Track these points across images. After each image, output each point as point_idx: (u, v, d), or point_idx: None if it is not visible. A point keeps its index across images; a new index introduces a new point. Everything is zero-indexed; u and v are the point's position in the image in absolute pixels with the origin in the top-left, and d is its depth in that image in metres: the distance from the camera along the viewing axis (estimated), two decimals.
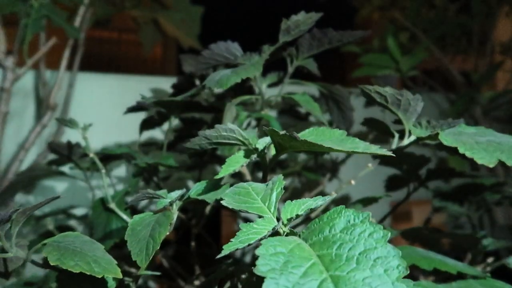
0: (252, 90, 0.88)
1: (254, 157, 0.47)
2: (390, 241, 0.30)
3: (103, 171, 0.70)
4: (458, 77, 1.72)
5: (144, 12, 1.42)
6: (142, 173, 0.81)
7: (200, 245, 0.99)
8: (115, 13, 1.38)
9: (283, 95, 0.76)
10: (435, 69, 1.93)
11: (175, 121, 0.82)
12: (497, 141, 0.44)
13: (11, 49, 0.99)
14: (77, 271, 0.39)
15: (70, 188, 1.16)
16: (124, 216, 0.69)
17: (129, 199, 0.74)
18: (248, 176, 0.75)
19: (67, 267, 0.39)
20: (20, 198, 1.09)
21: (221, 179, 0.48)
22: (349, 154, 1.29)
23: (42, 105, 1.11)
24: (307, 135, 0.46)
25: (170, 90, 0.91)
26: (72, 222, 1.07)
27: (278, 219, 0.38)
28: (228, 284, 0.52)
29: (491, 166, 0.40)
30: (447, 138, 0.45)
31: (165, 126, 0.93)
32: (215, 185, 0.50)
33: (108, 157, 0.83)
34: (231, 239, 0.35)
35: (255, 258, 0.29)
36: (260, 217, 0.39)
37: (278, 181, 0.42)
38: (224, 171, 0.46)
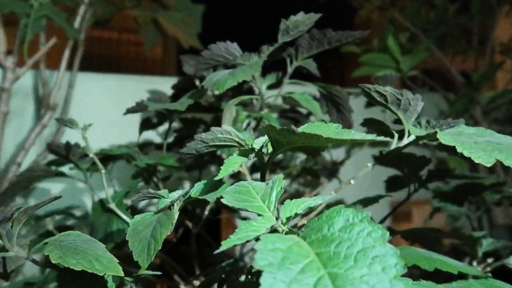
0: (252, 90, 0.88)
1: (251, 156, 0.47)
2: (390, 241, 0.31)
3: (103, 171, 0.70)
4: (458, 77, 1.72)
5: (144, 12, 1.42)
6: (142, 173, 0.81)
7: (200, 245, 0.99)
8: (115, 13, 1.38)
9: (283, 95, 0.76)
10: (435, 69, 1.93)
11: (175, 121, 0.82)
12: (496, 141, 0.45)
13: (11, 49, 0.99)
14: (79, 269, 0.39)
15: (70, 189, 1.16)
16: (125, 217, 0.69)
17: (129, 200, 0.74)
18: (248, 177, 0.76)
19: (69, 265, 0.39)
20: (18, 199, 1.09)
21: (221, 179, 0.49)
22: (349, 156, 1.29)
23: (42, 105, 1.11)
24: (303, 130, 0.46)
25: (170, 91, 0.91)
26: (72, 223, 1.07)
27: (278, 218, 0.38)
28: (227, 284, 0.52)
29: (488, 165, 0.40)
30: (445, 137, 0.45)
31: (165, 126, 0.94)
32: (216, 184, 0.50)
33: (108, 157, 0.83)
34: (230, 236, 0.36)
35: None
36: (259, 215, 0.39)
37: (278, 180, 0.42)
38: (223, 172, 0.46)
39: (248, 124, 0.92)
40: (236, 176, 0.81)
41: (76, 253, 0.41)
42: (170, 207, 0.48)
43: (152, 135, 1.24)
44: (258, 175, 0.89)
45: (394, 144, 0.55)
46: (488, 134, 0.49)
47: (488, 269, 0.70)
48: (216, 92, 0.86)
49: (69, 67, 1.17)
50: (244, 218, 1.16)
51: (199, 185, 0.50)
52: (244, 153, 0.48)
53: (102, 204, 0.74)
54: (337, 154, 1.32)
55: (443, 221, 1.35)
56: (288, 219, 0.38)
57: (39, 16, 0.94)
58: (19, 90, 1.13)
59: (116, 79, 1.26)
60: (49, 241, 0.43)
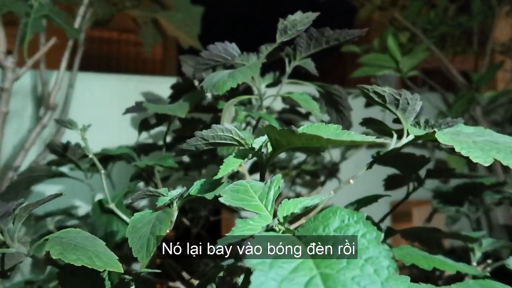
0: (250, 89, 0.88)
1: (251, 156, 0.47)
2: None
3: (103, 171, 0.70)
4: (458, 77, 1.71)
5: (144, 12, 1.42)
6: (141, 174, 0.81)
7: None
8: (115, 13, 1.38)
9: (282, 95, 0.76)
10: (435, 69, 1.93)
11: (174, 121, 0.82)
12: (494, 141, 0.44)
13: (11, 49, 0.99)
14: (79, 265, 0.39)
15: (70, 189, 1.16)
16: (124, 217, 0.69)
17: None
18: (247, 177, 0.76)
19: (69, 261, 0.39)
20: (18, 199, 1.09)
21: (220, 178, 0.49)
22: (344, 157, 1.29)
23: (42, 105, 1.11)
24: (303, 130, 0.46)
25: (170, 91, 0.91)
26: (72, 223, 1.07)
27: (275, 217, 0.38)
28: (225, 283, 0.52)
29: (486, 165, 0.40)
30: (444, 136, 0.45)
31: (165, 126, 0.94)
32: (215, 183, 0.50)
33: (107, 157, 0.83)
34: (226, 234, 0.36)
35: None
36: (257, 214, 0.39)
37: (276, 180, 0.42)
38: (222, 171, 0.46)
39: (248, 124, 0.92)
40: (235, 177, 0.81)
41: (76, 249, 0.41)
42: (169, 205, 0.48)
43: (152, 135, 1.24)
44: (257, 176, 0.89)
45: (393, 143, 0.55)
46: (486, 134, 0.49)
47: (488, 269, 0.70)
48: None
49: (69, 67, 1.17)
50: (245, 218, 1.16)
51: (198, 184, 0.50)
52: (244, 152, 0.48)
53: (101, 205, 0.74)
54: (337, 154, 1.32)
55: (443, 221, 1.35)
56: (285, 218, 0.38)
57: (39, 16, 0.94)
58: (19, 90, 1.13)
59: (116, 79, 1.27)
60: (50, 237, 0.44)
